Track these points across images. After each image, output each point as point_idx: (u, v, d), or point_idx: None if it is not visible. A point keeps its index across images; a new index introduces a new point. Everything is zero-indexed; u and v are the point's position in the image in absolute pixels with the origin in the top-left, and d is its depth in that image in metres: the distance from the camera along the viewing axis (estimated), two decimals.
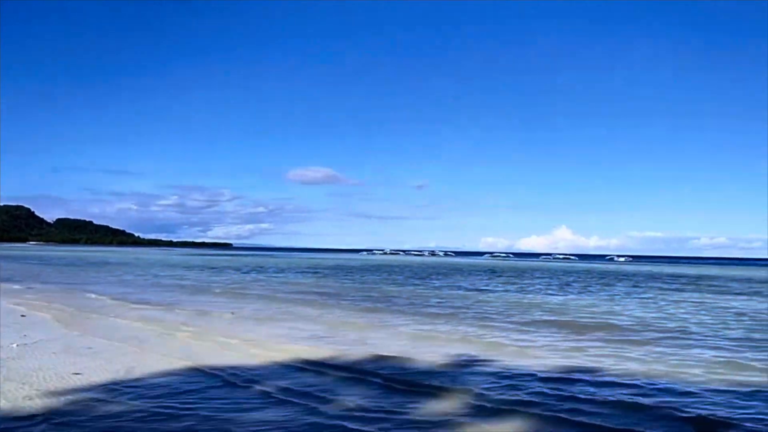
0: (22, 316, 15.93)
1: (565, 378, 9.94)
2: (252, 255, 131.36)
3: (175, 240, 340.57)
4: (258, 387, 8.65)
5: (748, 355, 12.83)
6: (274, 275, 44.90)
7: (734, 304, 26.55)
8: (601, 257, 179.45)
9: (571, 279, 47.44)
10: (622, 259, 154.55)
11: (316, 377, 9.54)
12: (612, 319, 19.29)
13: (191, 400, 7.74)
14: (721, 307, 24.42)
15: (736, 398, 8.80)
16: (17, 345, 11.14)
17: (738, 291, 36.43)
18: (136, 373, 9.21)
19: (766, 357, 12.63)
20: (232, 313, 18.95)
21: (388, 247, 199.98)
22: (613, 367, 10.99)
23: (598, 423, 7.33)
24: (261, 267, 60.26)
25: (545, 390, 8.98)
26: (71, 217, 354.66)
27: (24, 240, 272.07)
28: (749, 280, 52.95)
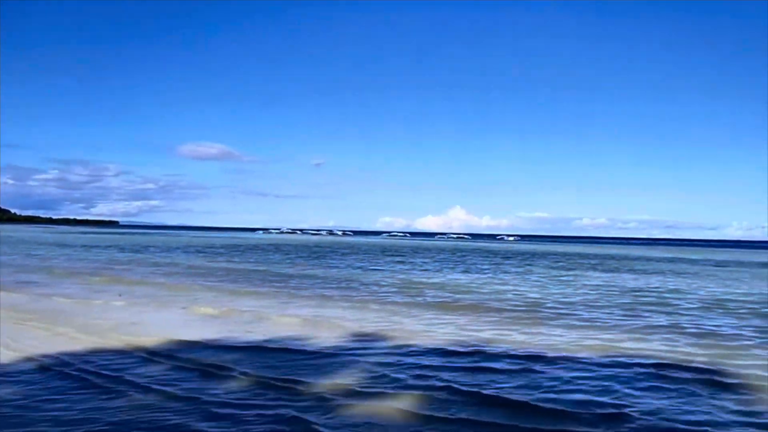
0: None
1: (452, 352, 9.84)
2: (138, 233, 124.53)
3: (55, 217, 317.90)
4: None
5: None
6: (158, 254, 42.01)
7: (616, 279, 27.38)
8: (492, 236, 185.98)
9: (461, 257, 48.02)
10: (511, 238, 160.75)
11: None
12: (496, 296, 19.06)
13: None
14: (594, 284, 25.04)
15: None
16: None
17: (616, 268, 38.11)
18: None
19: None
20: (120, 295, 17.26)
21: (285, 226, 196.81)
22: (497, 342, 10.83)
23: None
24: (144, 246, 56.56)
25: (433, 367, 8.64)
26: None
27: None
28: (626, 257, 55.95)
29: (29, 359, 8.59)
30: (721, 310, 16.69)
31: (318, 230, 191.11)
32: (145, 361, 8.77)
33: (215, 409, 6.52)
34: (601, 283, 25.19)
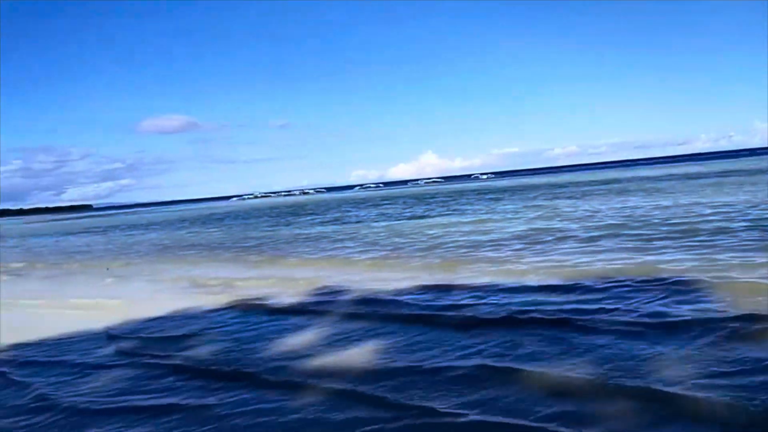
0: None
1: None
2: (112, 214, 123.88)
3: (25, 208, 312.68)
4: None
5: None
6: (141, 233, 42.67)
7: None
8: (466, 177, 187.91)
9: (430, 201, 49.32)
10: (485, 176, 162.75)
11: None
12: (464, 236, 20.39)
13: None
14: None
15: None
16: None
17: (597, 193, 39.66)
18: None
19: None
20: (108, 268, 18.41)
21: (258, 191, 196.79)
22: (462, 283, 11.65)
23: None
24: (115, 226, 56.94)
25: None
26: None
27: None
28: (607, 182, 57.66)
29: None
30: None
31: (291, 191, 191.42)
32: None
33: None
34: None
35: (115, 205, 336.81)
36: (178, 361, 7.36)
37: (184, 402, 5.90)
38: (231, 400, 5.82)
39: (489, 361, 6.25)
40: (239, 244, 24.31)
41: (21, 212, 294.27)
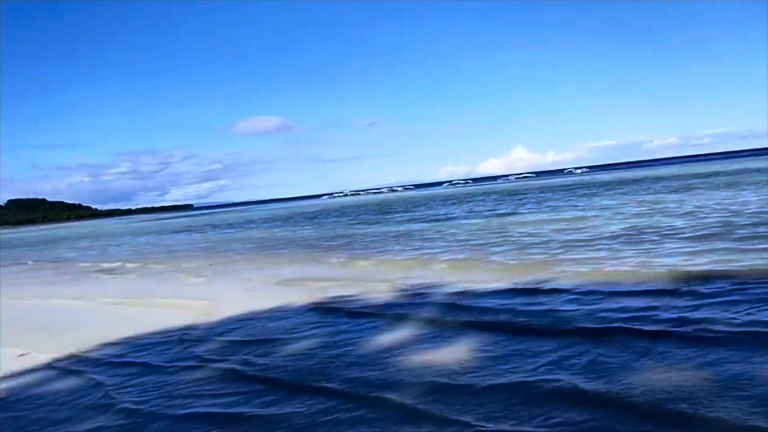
0: None
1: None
2: (212, 213, 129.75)
3: (133, 207, 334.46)
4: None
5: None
6: (242, 229, 44.33)
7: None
8: (558, 172, 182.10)
9: (522, 197, 48.06)
10: (578, 171, 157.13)
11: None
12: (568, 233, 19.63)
13: None
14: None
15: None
16: None
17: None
18: None
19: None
20: (212, 264, 19.31)
21: (348, 189, 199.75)
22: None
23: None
24: (214, 225, 59.42)
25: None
26: (22, 197, 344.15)
27: None
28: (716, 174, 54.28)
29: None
30: None
31: (380, 188, 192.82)
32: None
33: None
34: None
35: (214, 204, 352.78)
36: (250, 368, 7.14)
37: (251, 411, 5.67)
38: (303, 410, 5.55)
39: (580, 380, 5.60)
40: (329, 242, 24.56)
41: (129, 212, 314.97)
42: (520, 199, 44.75)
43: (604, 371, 5.82)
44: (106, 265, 23.35)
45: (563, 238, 17.44)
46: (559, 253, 14.42)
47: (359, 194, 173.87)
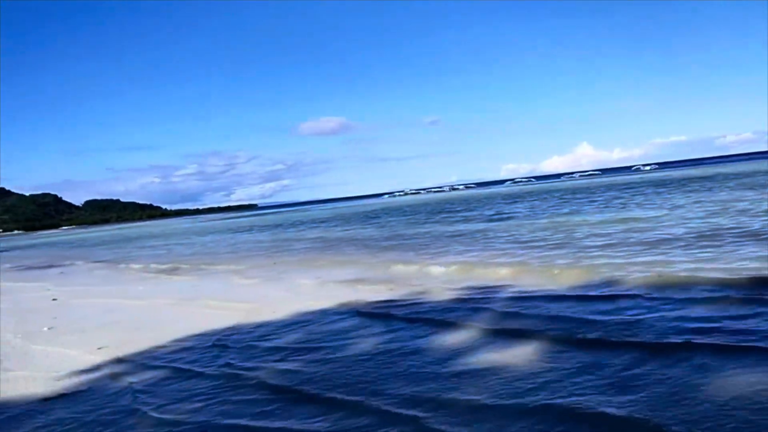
0: None
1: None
2: (275, 213, 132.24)
3: (201, 207, 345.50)
4: None
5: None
6: (310, 227, 44.91)
7: None
8: (626, 169, 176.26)
9: (588, 195, 46.53)
10: (647, 167, 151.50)
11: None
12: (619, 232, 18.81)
13: None
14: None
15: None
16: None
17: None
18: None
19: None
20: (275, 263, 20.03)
21: (408, 188, 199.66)
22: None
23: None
24: (280, 224, 60.38)
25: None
26: (98, 197, 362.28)
27: (56, 226, 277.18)
28: None
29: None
30: None
31: (441, 187, 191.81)
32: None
33: None
34: None
35: (277, 204, 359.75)
36: (275, 378, 6.84)
37: (276, 425, 5.40)
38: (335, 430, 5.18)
39: (647, 406, 5.00)
40: (388, 242, 24.40)
41: (197, 212, 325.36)
42: (586, 198, 43.31)
43: (676, 393, 5.25)
44: (166, 265, 23.77)
45: (631, 239, 16.59)
46: (627, 256, 13.67)
47: (420, 193, 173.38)
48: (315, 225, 49.13)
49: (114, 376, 7.63)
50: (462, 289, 11.49)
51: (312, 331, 9.09)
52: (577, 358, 6.51)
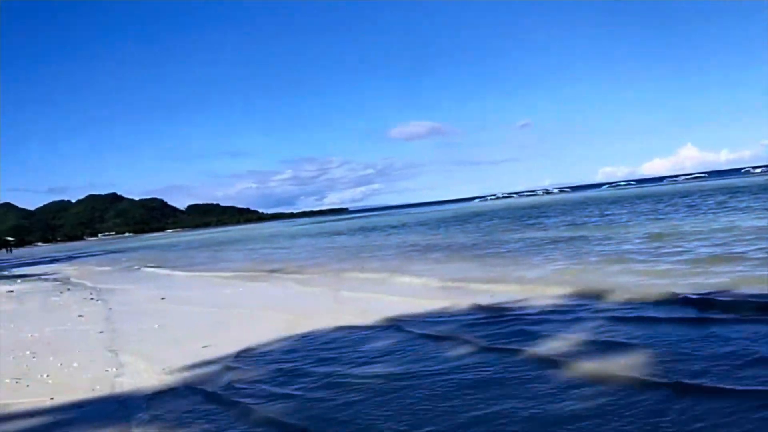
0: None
1: None
2: (365, 216, 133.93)
3: (295, 211, 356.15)
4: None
5: None
6: (392, 233, 45.22)
7: None
8: (734, 171, 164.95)
9: (695, 199, 43.72)
10: (758, 170, 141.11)
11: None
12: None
13: None
14: None
15: None
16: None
17: None
18: None
19: None
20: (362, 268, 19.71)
21: (500, 191, 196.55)
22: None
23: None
24: (372, 227, 60.96)
25: None
26: (200, 202, 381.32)
27: (162, 229, 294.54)
28: None
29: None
30: None
31: (533, 191, 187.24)
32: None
33: None
34: None
35: (368, 207, 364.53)
36: (371, 380, 6.64)
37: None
38: None
39: None
40: (481, 249, 23.83)
41: (291, 215, 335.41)
42: (693, 202, 40.64)
43: None
44: (251, 273, 23.44)
45: (751, 252, 14.44)
46: (746, 271, 11.91)
47: (512, 197, 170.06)
48: (405, 229, 49.20)
49: (218, 373, 7.79)
50: (555, 301, 10.78)
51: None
52: (703, 406, 5.77)
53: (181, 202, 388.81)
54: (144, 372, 8.09)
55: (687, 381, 5.68)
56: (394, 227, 54.37)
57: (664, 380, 5.78)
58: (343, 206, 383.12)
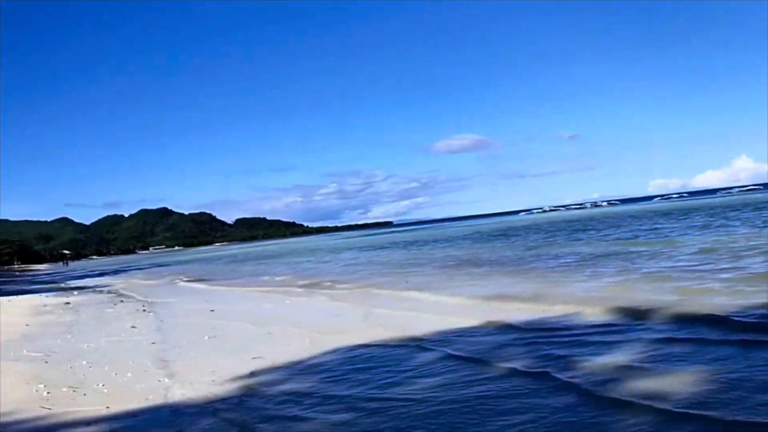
0: None
1: None
2: (410, 230, 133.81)
3: (339, 225, 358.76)
4: None
5: None
6: (443, 246, 45.18)
7: None
8: None
9: (749, 213, 42.02)
10: None
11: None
12: None
13: None
14: None
15: None
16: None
17: None
18: None
19: None
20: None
21: (546, 205, 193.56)
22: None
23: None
24: (422, 240, 60.93)
25: None
26: (247, 216, 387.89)
27: (210, 243, 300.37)
28: None
29: None
30: None
31: (581, 204, 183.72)
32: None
33: None
34: None
35: (412, 221, 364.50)
36: (414, 394, 6.64)
37: None
38: None
39: None
40: (522, 264, 23.51)
41: (336, 229, 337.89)
42: (747, 216, 39.11)
43: None
44: (290, 287, 23.50)
45: None
46: None
47: (559, 210, 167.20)
48: (449, 242, 49.00)
49: (268, 384, 7.96)
50: (600, 319, 10.55)
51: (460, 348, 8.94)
52: None
53: (229, 216, 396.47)
54: (195, 382, 8.29)
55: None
56: (437, 241, 54.21)
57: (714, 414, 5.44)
58: (388, 219, 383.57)
